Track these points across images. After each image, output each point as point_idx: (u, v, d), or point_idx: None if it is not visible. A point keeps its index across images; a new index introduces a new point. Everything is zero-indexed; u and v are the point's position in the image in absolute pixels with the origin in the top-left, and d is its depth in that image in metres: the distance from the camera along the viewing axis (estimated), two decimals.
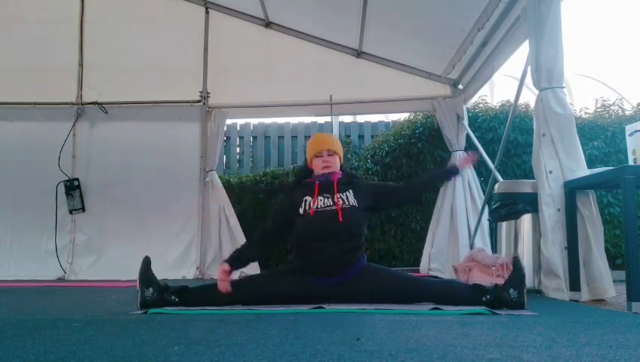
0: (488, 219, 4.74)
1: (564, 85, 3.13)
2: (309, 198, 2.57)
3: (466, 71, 5.02)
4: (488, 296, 2.37)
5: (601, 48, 16.30)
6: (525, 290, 2.37)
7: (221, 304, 2.43)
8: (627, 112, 5.80)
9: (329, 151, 2.68)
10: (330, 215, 2.49)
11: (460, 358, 1.31)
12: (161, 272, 4.73)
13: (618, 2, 16.47)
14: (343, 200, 2.54)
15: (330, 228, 2.47)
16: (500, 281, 2.53)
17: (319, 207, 2.52)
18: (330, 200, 2.54)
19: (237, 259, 2.60)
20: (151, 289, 2.40)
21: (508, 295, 2.35)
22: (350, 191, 2.59)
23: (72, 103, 5.59)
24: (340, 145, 2.79)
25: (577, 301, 2.80)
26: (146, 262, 2.46)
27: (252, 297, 2.49)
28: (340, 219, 2.46)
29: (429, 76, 5.44)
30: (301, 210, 2.55)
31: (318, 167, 2.67)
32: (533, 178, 3.22)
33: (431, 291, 2.48)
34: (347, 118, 7.30)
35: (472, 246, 4.70)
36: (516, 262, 2.44)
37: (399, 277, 2.58)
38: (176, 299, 2.43)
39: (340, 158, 2.73)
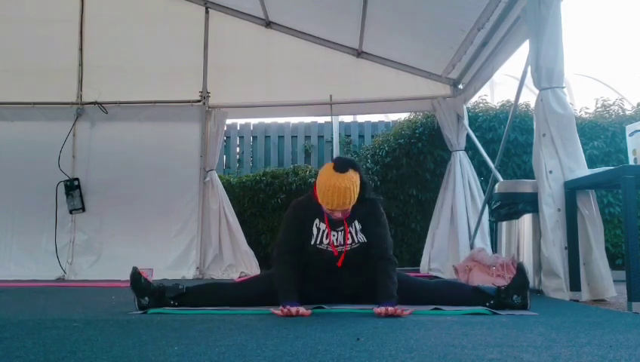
0: (489, 219, 4.74)
1: (564, 85, 3.13)
2: (320, 225, 2.41)
3: (466, 71, 5.01)
4: (492, 302, 2.35)
5: (601, 48, 16.31)
6: (529, 294, 2.35)
7: (220, 305, 2.42)
8: (627, 112, 5.80)
9: (345, 210, 2.34)
10: (339, 254, 2.42)
11: (459, 358, 1.31)
12: (161, 272, 4.79)
13: (618, 2, 16.48)
14: (352, 236, 2.41)
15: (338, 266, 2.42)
16: (501, 281, 2.53)
17: (330, 244, 2.41)
18: (341, 234, 2.41)
19: (289, 292, 2.30)
20: (146, 298, 2.37)
21: (511, 301, 2.33)
22: (356, 221, 2.42)
23: (72, 103, 5.59)
24: (356, 193, 2.30)
25: (577, 301, 2.80)
26: (134, 276, 2.35)
27: (253, 298, 2.48)
28: (339, 264, 2.40)
29: (429, 76, 5.44)
30: (312, 240, 2.41)
31: (326, 211, 2.37)
32: (534, 178, 3.22)
33: (432, 293, 2.47)
34: (347, 118, 7.29)
35: (472, 246, 4.70)
36: (520, 269, 2.38)
37: (400, 278, 2.57)
38: (175, 303, 2.42)
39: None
